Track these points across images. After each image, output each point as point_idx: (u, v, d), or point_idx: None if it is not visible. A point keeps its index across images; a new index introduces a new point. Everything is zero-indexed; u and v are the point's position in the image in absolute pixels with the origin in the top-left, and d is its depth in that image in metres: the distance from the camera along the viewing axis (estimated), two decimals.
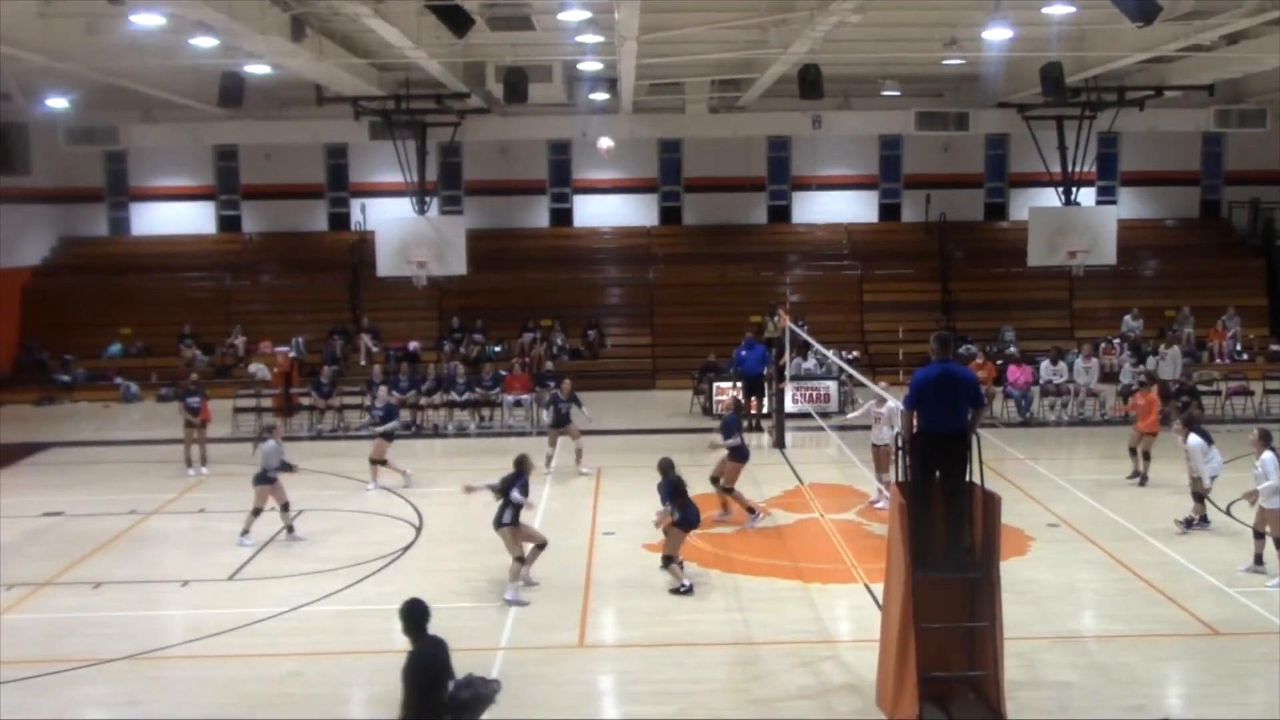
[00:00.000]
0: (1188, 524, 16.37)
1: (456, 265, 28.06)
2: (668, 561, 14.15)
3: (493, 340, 30.14)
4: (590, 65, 25.47)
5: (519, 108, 26.62)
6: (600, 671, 12.02)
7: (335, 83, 25.03)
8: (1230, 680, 11.45)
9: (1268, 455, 14.21)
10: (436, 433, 24.73)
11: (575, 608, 13.66)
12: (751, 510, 16.98)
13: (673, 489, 14.26)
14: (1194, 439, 16.05)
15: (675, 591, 13.95)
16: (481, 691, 8.10)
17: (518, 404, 24.85)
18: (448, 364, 27.09)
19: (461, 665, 11.77)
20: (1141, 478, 19.13)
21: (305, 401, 25.38)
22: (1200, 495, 16.38)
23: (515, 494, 13.89)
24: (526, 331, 30.22)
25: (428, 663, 8.06)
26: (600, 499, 18.57)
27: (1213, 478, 16.26)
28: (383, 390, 21.14)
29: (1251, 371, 26.92)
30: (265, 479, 16.37)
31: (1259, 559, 14.45)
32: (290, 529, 16.55)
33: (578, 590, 14.27)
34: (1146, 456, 19.17)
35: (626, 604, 13.87)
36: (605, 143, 22.95)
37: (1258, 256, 32.25)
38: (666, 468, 14.54)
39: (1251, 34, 21.26)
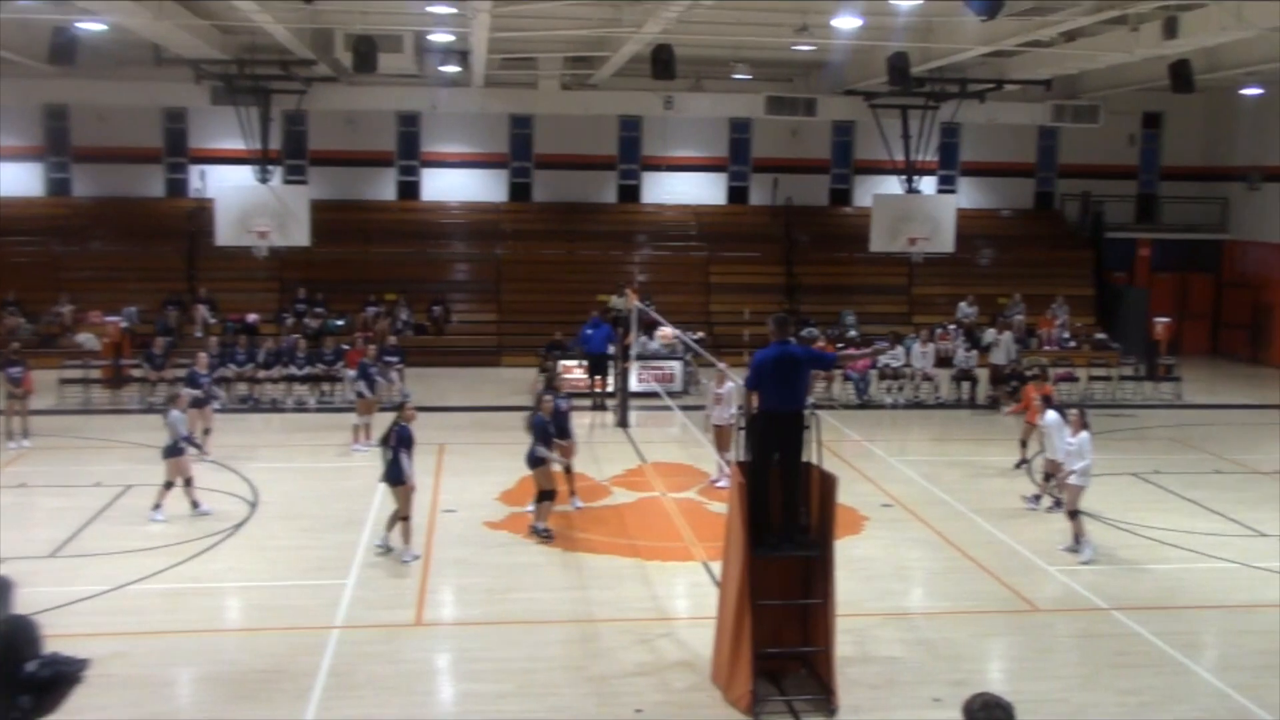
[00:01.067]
0: (1050, 502, 16.80)
1: (299, 236, 27.42)
2: None
3: (335, 314, 29.54)
4: (442, 37, 25.08)
5: (368, 77, 26.08)
6: (437, 650, 11.91)
7: (175, 44, 24.14)
8: (1048, 654, 11.91)
9: (1085, 435, 14.85)
10: (274, 407, 24.16)
11: (413, 586, 13.51)
12: (571, 492, 16.77)
13: None
14: (1051, 415, 16.40)
15: None
16: (64, 670, 7.69)
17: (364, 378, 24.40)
18: (287, 337, 26.46)
19: (297, 645, 11.60)
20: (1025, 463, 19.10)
21: (136, 373, 24.54)
22: (1049, 475, 16.87)
23: (404, 458, 14.25)
24: (370, 306, 29.70)
25: None
26: (442, 476, 18.39)
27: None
28: (202, 356, 20.67)
29: (1078, 358, 27.98)
30: (174, 450, 15.92)
31: (1078, 539, 15.03)
32: (195, 504, 16.07)
33: (416, 568, 14.11)
34: (1025, 445, 19.01)
35: (465, 582, 13.78)
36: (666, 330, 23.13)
37: (1087, 248, 33.48)
38: None
39: (1088, 32, 22.04)
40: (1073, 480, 15.02)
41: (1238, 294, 33.14)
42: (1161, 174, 34.71)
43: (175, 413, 16.15)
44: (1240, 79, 28.19)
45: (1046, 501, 16.94)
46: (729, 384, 17.33)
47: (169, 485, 15.99)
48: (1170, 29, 20.18)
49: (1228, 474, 19.60)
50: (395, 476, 14.42)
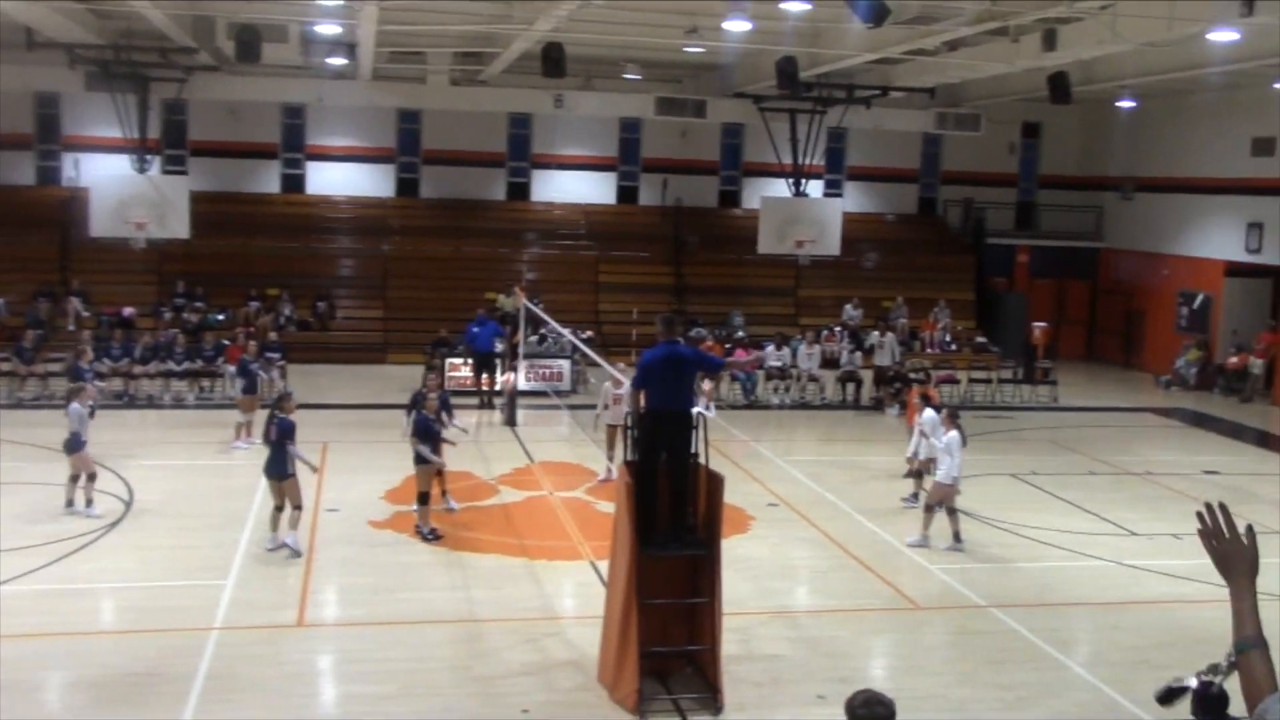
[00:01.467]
0: (915, 498, 17.13)
1: (178, 228, 26.72)
2: None
3: (215, 309, 28.88)
4: (328, 28, 24.67)
5: (251, 68, 25.51)
6: (319, 651, 11.72)
7: (48, 27, 23.35)
8: (928, 651, 12.12)
9: (954, 434, 15.21)
10: (151, 404, 23.54)
11: (295, 586, 13.26)
12: (444, 492, 16.41)
13: None
14: (929, 413, 16.70)
15: None
16: None
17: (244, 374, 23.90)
18: (165, 332, 25.80)
19: (174, 648, 11.29)
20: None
21: (5, 368, 23.71)
22: (918, 473, 17.18)
23: (290, 450, 14.12)
24: (252, 301, 29.10)
25: None
26: (326, 474, 18.05)
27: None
28: (87, 350, 20.21)
29: (958, 361, 28.58)
30: (77, 443, 15.45)
31: (957, 536, 15.34)
32: (90, 501, 15.58)
33: (298, 568, 13.85)
34: None
35: (349, 581, 13.57)
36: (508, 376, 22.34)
37: (969, 253, 34.21)
38: None
39: (971, 42, 22.51)
40: (940, 478, 15.35)
41: (1112, 300, 34.15)
42: (1040, 182, 35.63)
43: (75, 405, 15.66)
44: (1115, 92, 29.05)
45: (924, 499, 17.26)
46: (625, 385, 17.25)
47: (74, 479, 15.59)
48: (1049, 41, 20.73)
49: (1101, 475, 20.16)
50: (278, 471, 14.21)
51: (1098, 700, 10.92)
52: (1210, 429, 24.89)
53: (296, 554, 14.12)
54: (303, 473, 14.52)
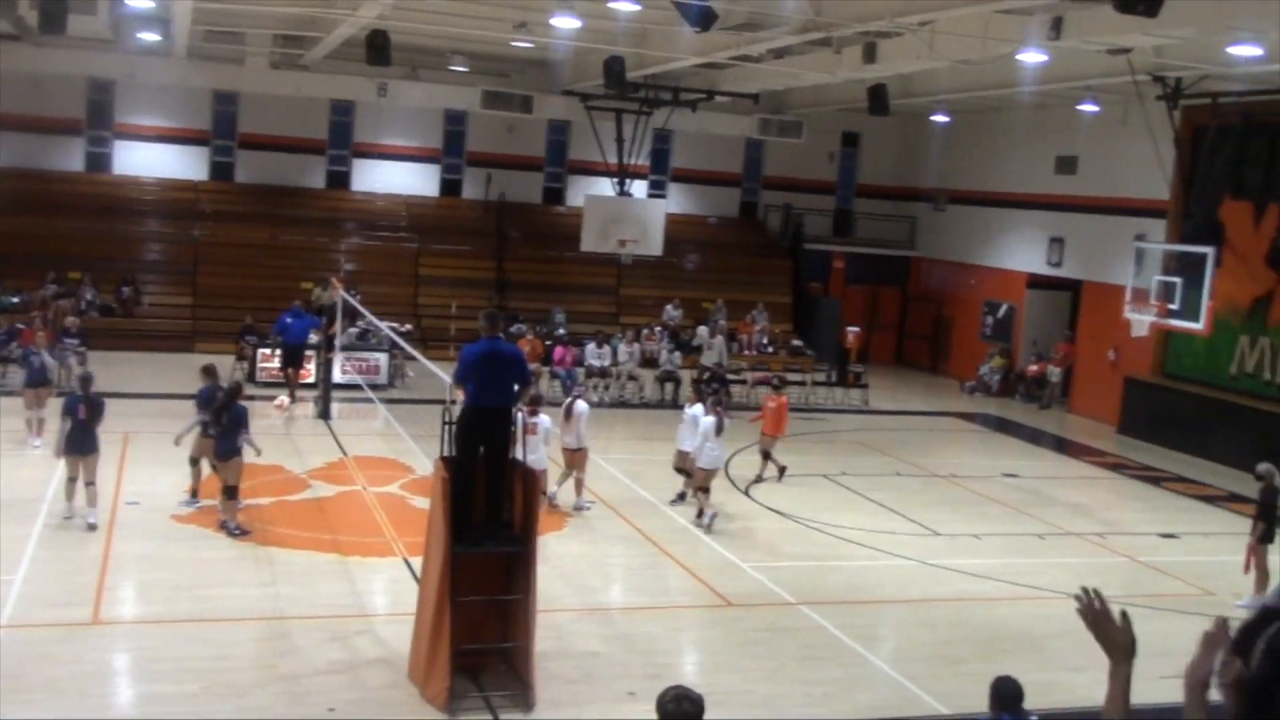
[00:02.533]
0: (680, 498, 17.49)
1: None
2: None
3: (10, 290, 27.43)
4: (140, 1, 23.67)
5: (56, 39, 24.34)
6: (116, 649, 11.24)
7: None
8: (739, 648, 12.28)
9: (710, 420, 16.25)
10: None
11: (90, 582, 12.67)
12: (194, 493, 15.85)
13: None
14: (695, 408, 17.23)
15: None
16: None
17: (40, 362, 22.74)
18: None
19: None
20: (761, 479, 19.35)
21: None
22: (680, 468, 17.48)
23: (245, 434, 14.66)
24: (51, 284, 27.76)
25: None
26: (126, 465, 17.36)
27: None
28: None
29: (775, 363, 29.09)
30: None
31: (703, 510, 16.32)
32: None
33: (94, 563, 13.26)
34: (766, 456, 19.42)
35: (148, 577, 13.06)
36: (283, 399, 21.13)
37: (787, 258, 34.88)
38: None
39: (795, 51, 22.97)
40: (701, 463, 16.28)
41: (922, 307, 35.30)
42: (857, 191, 36.54)
43: None
44: (931, 106, 30.06)
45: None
46: (580, 405, 17.18)
47: None
48: (870, 54, 21.28)
49: (907, 476, 20.79)
50: (227, 451, 14.53)
51: (900, 695, 11.24)
52: (1011, 434, 25.95)
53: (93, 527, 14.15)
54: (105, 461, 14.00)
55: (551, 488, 16.68)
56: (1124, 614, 3.63)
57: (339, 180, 33.03)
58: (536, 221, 33.58)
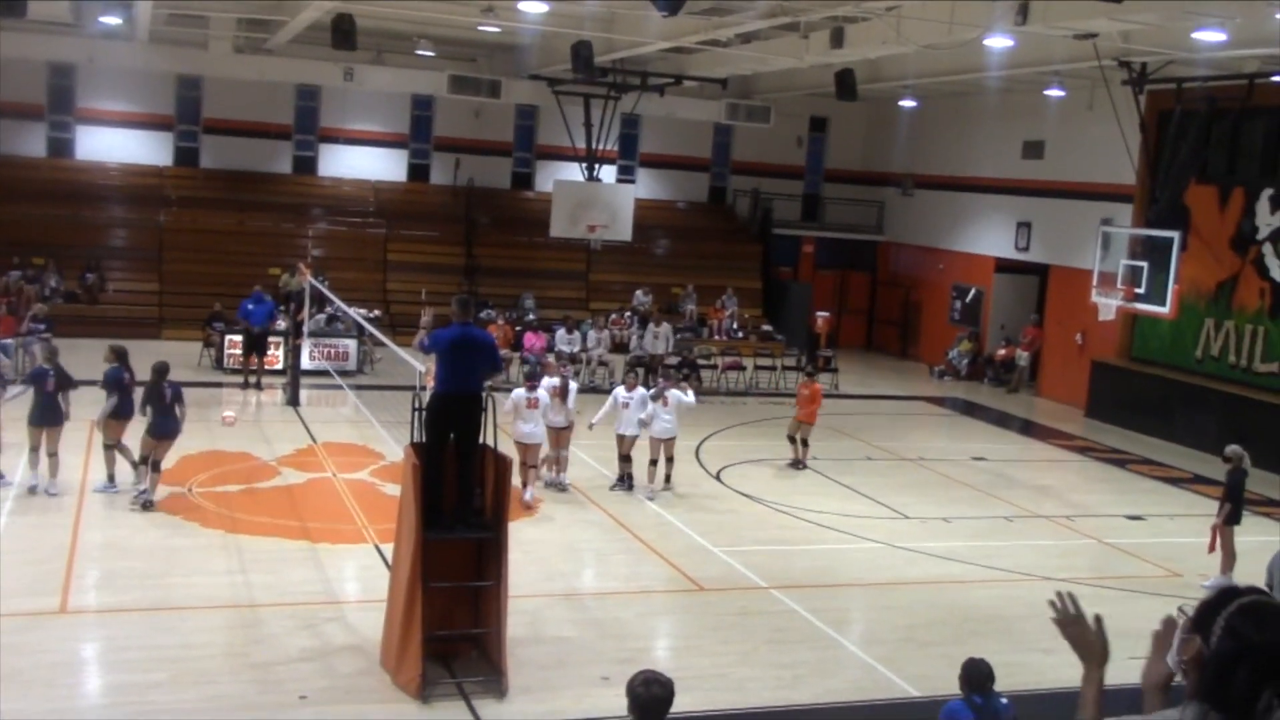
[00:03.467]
0: (620, 481, 17.50)
1: None
2: None
3: None
4: None
5: (16, 22, 24.02)
6: (84, 639, 11.15)
7: None
8: (710, 632, 12.31)
9: (640, 391, 17.20)
10: None
11: (57, 570, 12.57)
12: (111, 479, 15.62)
13: None
14: (639, 392, 17.50)
15: None
16: None
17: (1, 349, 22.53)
18: None
19: None
20: (799, 463, 19.55)
21: None
22: (624, 456, 17.49)
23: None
24: (14, 270, 27.46)
25: None
26: (93, 453, 17.19)
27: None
28: None
29: (744, 348, 29.14)
30: None
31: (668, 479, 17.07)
32: None
33: (61, 551, 13.15)
34: (805, 444, 19.60)
35: (116, 565, 12.96)
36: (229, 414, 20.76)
37: (756, 243, 34.91)
38: None
39: (763, 35, 22.95)
40: (626, 430, 17.10)
41: (891, 292, 35.41)
42: (825, 176, 36.61)
43: None
44: (898, 91, 30.11)
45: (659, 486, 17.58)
46: (639, 390, 17.56)
47: None
48: (837, 39, 21.29)
49: (877, 460, 20.89)
50: (167, 429, 14.93)
51: (870, 677, 11.29)
52: (979, 417, 26.11)
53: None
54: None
55: (550, 474, 17.33)
56: (1098, 618, 3.65)
57: (306, 165, 32.81)
58: (505, 207, 33.47)
